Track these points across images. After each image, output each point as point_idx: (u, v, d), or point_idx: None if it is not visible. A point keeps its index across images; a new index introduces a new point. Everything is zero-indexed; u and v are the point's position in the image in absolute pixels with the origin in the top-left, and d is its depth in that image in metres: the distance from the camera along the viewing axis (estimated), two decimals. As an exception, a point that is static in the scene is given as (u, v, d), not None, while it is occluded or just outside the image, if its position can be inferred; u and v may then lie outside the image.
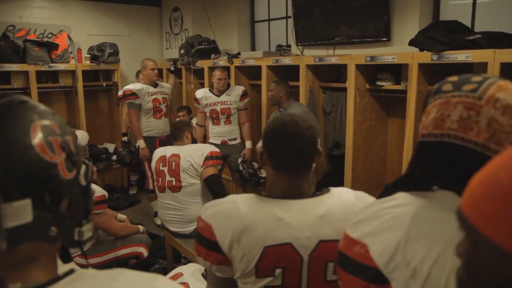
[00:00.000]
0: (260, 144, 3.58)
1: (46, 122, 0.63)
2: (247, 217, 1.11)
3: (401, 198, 0.84)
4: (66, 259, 0.70)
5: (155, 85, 4.38)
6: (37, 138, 0.60)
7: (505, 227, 0.46)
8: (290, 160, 1.16)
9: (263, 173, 4.13)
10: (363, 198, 1.20)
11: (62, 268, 0.65)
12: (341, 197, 1.18)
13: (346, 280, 0.86)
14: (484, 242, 0.48)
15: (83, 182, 0.67)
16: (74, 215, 0.66)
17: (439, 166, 0.82)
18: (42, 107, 0.65)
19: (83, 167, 0.67)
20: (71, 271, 0.63)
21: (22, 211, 0.57)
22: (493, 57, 2.57)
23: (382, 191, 0.92)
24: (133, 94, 4.20)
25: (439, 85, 0.88)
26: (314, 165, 1.23)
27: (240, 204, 1.14)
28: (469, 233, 0.52)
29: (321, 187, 1.26)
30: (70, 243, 0.67)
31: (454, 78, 0.86)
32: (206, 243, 1.14)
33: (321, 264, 1.11)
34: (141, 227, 3.17)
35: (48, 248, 0.63)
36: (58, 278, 0.61)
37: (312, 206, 1.14)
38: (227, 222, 1.11)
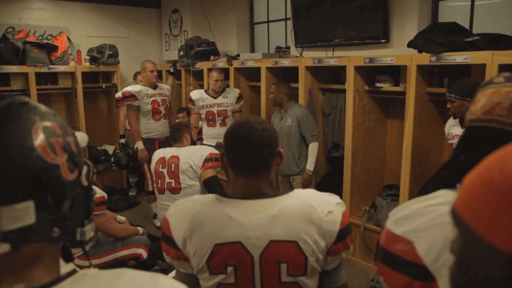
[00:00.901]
0: None
1: (47, 123, 0.63)
2: (199, 215, 1.15)
3: (445, 195, 0.84)
4: (68, 259, 0.71)
5: (154, 87, 4.38)
6: (39, 139, 0.60)
7: (497, 226, 0.46)
8: (244, 161, 1.18)
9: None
10: (326, 201, 1.19)
11: (63, 268, 0.66)
12: (299, 198, 1.18)
13: (390, 276, 0.86)
14: (476, 240, 0.48)
15: (85, 183, 0.67)
16: (76, 216, 0.66)
17: (485, 152, 0.83)
18: (43, 108, 0.65)
19: (85, 168, 0.68)
20: (73, 271, 0.63)
21: (25, 213, 0.58)
22: (491, 58, 2.58)
23: (422, 187, 0.92)
24: (132, 96, 4.20)
25: (490, 79, 0.91)
26: (273, 166, 1.24)
27: (197, 203, 1.19)
28: (461, 231, 0.52)
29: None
30: (73, 243, 0.67)
31: (506, 74, 0.89)
32: (166, 239, 1.20)
33: (274, 265, 1.12)
34: (140, 229, 3.17)
35: (51, 248, 0.64)
36: (61, 278, 0.62)
37: (266, 206, 1.15)
38: (181, 220, 1.17)
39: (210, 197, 1.21)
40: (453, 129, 2.81)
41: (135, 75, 5.28)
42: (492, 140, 0.81)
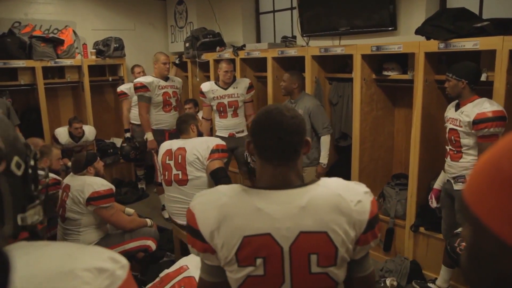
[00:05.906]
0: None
1: None
2: (227, 207, 1.13)
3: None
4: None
5: (166, 79, 4.39)
6: None
7: (506, 219, 0.44)
8: (272, 148, 1.16)
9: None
10: (354, 190, 1.16)
11: None
12: (328, 187, 1.16)
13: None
14: (485, 232, 0.46)
15: (18, 173, 0.65)
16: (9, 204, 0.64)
17: None
18: None
19: (15, 158, 0.64)
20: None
21: None
22: (502, 44, 2.53)
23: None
24: (144, 87, 4.22)
25: None
26: (301, 155, 1.22)
27: (222, 194, 1.17)
28: (470, 222, 0.49)
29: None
30: (15, 229, 0.65)
31: None
32: (191, 231, 1.18)
33: (303, 256, 1.11)
34: (149, 221, 3.19)
35: None
36: None
37: (294, 197, 1.13)
38: (208, 212, 1.15)
39: (236, 187, 1.19)
40: (449, 112, 2.78)
41: (133, 68, 5.29)
42: None
